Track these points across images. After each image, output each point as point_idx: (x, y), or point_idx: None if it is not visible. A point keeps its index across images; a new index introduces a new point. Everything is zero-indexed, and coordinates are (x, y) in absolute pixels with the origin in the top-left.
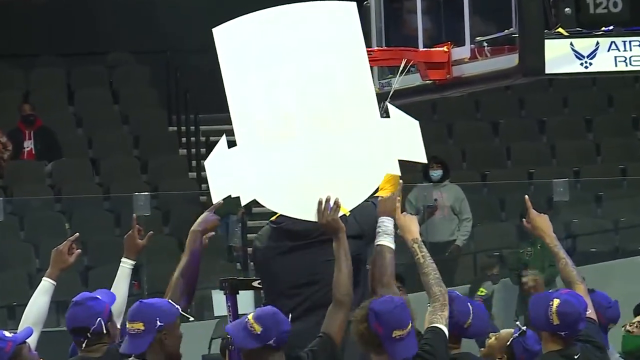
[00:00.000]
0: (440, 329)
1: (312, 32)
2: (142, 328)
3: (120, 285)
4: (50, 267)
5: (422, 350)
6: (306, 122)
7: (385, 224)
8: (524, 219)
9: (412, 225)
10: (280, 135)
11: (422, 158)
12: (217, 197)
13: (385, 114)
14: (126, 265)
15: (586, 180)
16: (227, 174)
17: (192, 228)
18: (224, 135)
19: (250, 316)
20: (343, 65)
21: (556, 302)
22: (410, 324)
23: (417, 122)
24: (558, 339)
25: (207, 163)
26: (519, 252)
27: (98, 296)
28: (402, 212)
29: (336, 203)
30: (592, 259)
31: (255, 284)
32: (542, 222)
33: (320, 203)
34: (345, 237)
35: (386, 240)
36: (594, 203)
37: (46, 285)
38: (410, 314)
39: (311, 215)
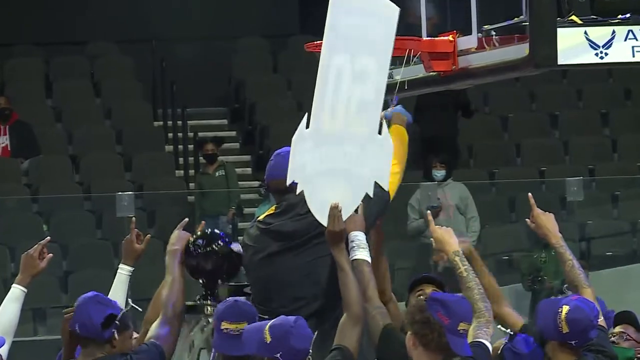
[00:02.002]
0: (485, 344)
1: (359, 24)
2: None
3: (118, 293)
4: (20, 273)
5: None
6: (331, 120)
7: (359, 237)
8: (527, 219)
9: (450, 237)
10: (321, 128)
11: (386, 185)
12: (290, 180)
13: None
14: (123, 272)
15: (602, 178)
16: (301, 156)
17: (169, 248)
18: (306, 114)
19: (270, 323)
20: (371, 68)
21: (565, 308)
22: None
23: (392, 147)
24: (568, 349)
25: (293, 140)
26: (532, 257)
27: None
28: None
29: (341, 211)
30: (608, 263)
31: (247, 289)
32: (547, 221)
33: (332, 208)
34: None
35: (362, 254)
36: (610, 203)
37: (16, 292)
38: None
39: (324, 220)
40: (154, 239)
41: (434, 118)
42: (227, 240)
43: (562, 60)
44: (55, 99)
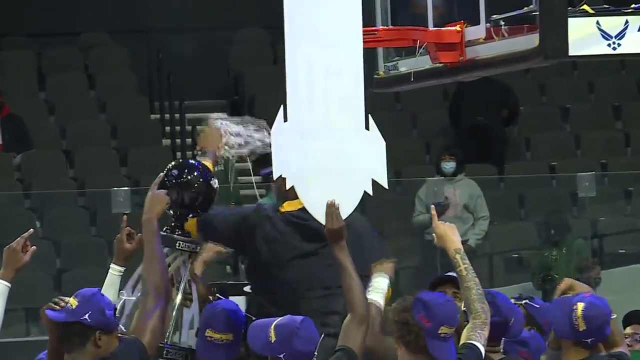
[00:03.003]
0: (477, 346)
1: (320, 14)
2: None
3: (108, 294)
4: (3, 267)
5: None
6: (319, 116)
7: (379, 281)
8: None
9: (452, 234)
10: (308, 123)
11: (384, 181)
12: (277, 174)
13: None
14: (114, 272)
15: (614, 173)
16: (283, 150)
17: (145, 216)
18: (282, 107)
19: (276, 321)
20: (344, 61)
21: (580, 305)
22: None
23: (384, 143)
24: (582, 347)
25: (272, 133)
26: (542, 255)
27: None
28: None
29: (338, 208)
30: (620, 261)
31: (246, 289)
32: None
33: (329, 206)
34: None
35: (377, 296)
36: (623, 199)
37: (0, 287)
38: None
39: (321, 218)
40: None
41: (478, 107)
42: (204, 172)
43: (573, 51)
44: (48, 92)
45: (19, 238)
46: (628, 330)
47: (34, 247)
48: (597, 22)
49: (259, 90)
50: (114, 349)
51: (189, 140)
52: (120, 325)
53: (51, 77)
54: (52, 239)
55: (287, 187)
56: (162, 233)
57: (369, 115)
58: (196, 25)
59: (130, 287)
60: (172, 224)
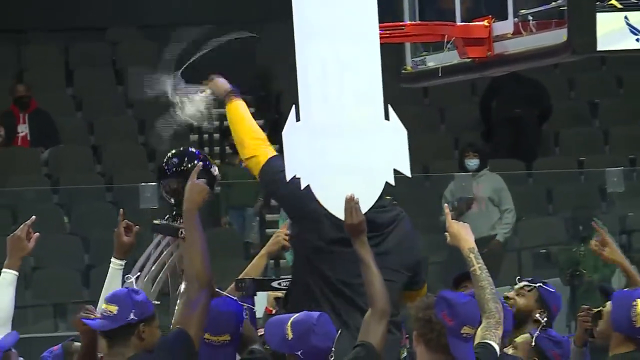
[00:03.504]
0: (492, 346)
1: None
2: None
3: (111, 288)
4: (8, 257)
5: None
6: (335, 113)
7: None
8: (592, 241)
9: (466, 233)
10: (323, 121)
11: (407, 171)
12: (290, 175)
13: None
14: (115, 266)
15: None
16: (296, 150)
17: (186, 206)
18: (293, 107)
19: (294, 316)
20: (360, 56)
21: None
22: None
23: (405, 131)
24: (633, 342)
25: (283, 134)
26: (570, 251)
27: None
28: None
29: (357, 202)
30: None
31: (274, 284)
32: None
33: (348, 201)
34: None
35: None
36: None
37: (8, 277)
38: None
39: (339, 213)
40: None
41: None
42: (204, 160)
43: (601, 46)
44: (76, 87)
45: (22, 225)
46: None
47: (37, 234)
48: (626, 17)
49: (287, 86)
50: (157, 340)
51: (216, 135)
52: None
53: (78, 72)
54: (80, 235)
55: (302, 187)
56: (163, 222)
57: (389, 106)
58: (224, 19)
59: (135, 273)
60: (173, 213)
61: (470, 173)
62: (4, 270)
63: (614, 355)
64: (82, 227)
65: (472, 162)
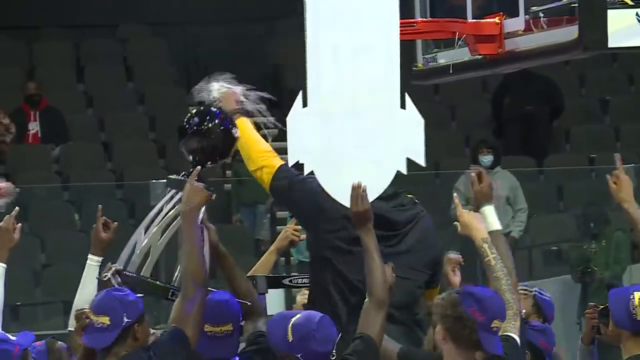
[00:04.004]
0: (513, 338)
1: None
2: None
3: (87, 285)
4: None
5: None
6: (346, 98)
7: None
8: (608, 175)
9: (478, 222)
10: (333, 107)
11: (421, 160)
12: (292, 160)
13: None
14: (92, 263)
15: None
16: (301, 136)
17: (185, 209)
18: (301, 92)
19: (295, 317)
20: (377, 43)
21: (638, 295)
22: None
23: (422, 120)
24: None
25: (288, 120)
26: (582, 248)
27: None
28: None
29: (364, 190)
30: None
31: (286, 281)
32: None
33: (354, 188)
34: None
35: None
36: None
37: None
38: None
39: (345, 200)
40: None
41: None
42: (225, 121)
43: (612, 43)
44: (87, 84)
45: (7, 217)
46: None
47: (19, 224)
48: (637, 14)
49: (299, 83)
50: (155, 338)
51: None
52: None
53: (89, 69)
54: (90, 232)
55: (306, 172)
56: (180, 177)
57: (406, 94)
58: (235, 16)
59: (146, 225)
60: (191, 170)
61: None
62: None
63: (629, 358)
64: (92, 224)
65: (486, 159)
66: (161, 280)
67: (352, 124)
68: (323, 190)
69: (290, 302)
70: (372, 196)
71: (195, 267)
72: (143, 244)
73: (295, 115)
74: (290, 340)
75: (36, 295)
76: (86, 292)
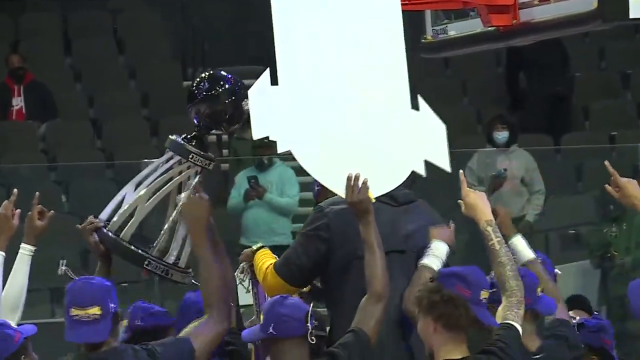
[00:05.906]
0: (515, 326)
1: None
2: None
3: (19, 274)
4: None
5: (495, 347)
6: (343, 88)
7: (438, 247)
8: (606, 185)
9: (483, 203)
10: (319, 90)
11: (446, 166)
12: (257, 135)
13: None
14: (24, 252)
15: None
16: (269, 113)
17: (190, 218)
18: (267, 69)
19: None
20: (379, 35)
21: None
22: None
23: (444, 126)
24: None
25: (250, 94)
26: (601, 231)
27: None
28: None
29: (365, 182)
30: None
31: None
32: (634, 189)
33: (349, 179)
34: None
35: (433, 261)
36: None
37: None
38: None
39: (340, 190)
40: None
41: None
42: (235, 89)
43: (633, 13)
44: (75, 58)
45: (5, 202)
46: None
47: (18, 210)
48: None
49: None
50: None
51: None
52: None
53: (77, 42)
54: (79, 214)
55: (279, 150)
56: (180, 140)
57: (419, 96)
58: None
59: (138, 181)
60: (194, 134)
61: (495, 149)
62: None
63: None
64: (81, 206)
65: (502, 135)
66: (140, 246)
67: (361, 121)
68: (324, 240)
69: None
70: (375, 193)
71: (214, 286)
72: (129, 204)
73: (262, 91)
74: (261, 322)
75: None
76: (16, 283)
